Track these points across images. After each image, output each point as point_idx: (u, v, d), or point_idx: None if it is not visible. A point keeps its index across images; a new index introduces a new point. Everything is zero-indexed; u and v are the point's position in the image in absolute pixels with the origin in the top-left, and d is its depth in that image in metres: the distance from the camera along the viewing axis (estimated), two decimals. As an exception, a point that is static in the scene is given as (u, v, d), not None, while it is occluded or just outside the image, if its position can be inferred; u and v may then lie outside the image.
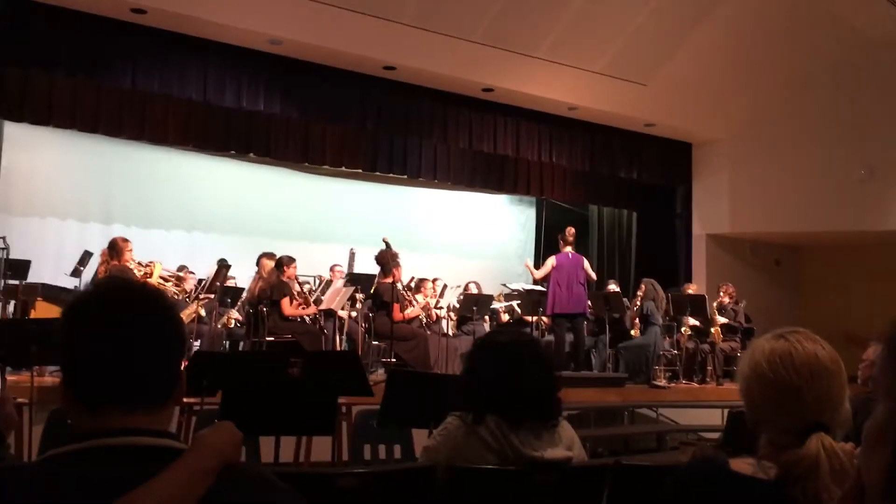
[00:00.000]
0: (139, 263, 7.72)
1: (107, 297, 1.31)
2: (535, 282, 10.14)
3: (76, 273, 8.90)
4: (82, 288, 8.15)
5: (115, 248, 7.52)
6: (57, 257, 9.91)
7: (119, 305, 1.29)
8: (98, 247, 8.26)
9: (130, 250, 7.60)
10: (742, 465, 1.63)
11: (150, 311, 1.30)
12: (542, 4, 9.58)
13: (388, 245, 9.02)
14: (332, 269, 10.40)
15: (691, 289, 11.17)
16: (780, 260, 14.00)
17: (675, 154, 13.08)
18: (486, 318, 10.68)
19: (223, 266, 8.94)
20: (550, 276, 9.57)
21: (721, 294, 10.72)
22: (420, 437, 4.46)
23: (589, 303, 9.83)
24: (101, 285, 1.45)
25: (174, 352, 1.32)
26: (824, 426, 1.60)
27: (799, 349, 1.66)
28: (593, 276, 9.93)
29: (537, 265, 10.54)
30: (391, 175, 11.71)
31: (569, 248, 9.67)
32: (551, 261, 9.65)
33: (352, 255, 10.74)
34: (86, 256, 8.93)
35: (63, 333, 1.28)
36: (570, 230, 9.84)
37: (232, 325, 9.81)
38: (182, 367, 1.37)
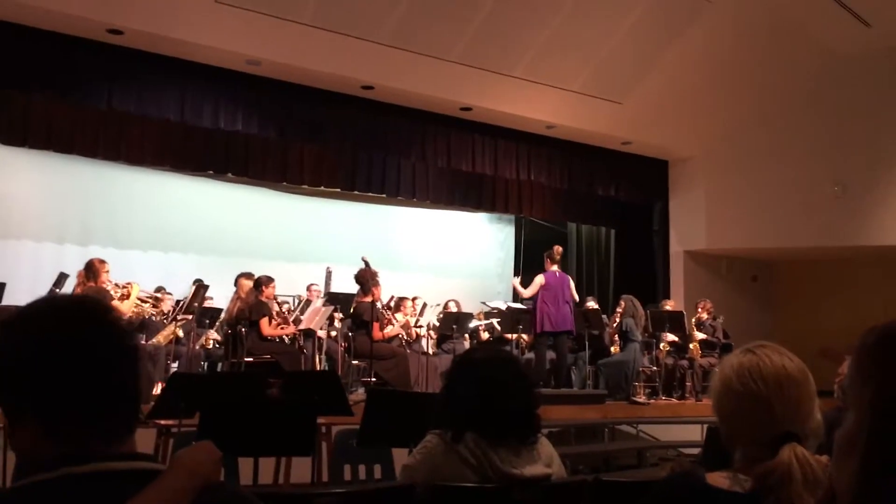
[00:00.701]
0: (116, 285, 7.67)
1: (74, 323, 1.24)
2: (521, 300, 10.10)
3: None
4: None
5: (92, 270, 7.46)
6: (33, 280, 9.76)
7: (87, 328, 1.23)
8: (74, 268, 8.16)
9: (107, 271, 7.54)
10: (719, 478, 1.65)
11: (113, 328, 1.26)
12: (519, 24, 9.65)
13: (367, 264, 9.01)
14: (308, 289, 10.36)
15: (669, 305, 11.23)
16: (757, 275, 14.11)
17: (652, 171, 13.17)
18: (466, 336, 10.67)
19: (201, 286, 8.89)
20: (538, 295, 9.56)
21: (699, 310, 10.78)
22: (400, 457, 4.44)
23: (569, 319, 9.84)
24: (59, 307, 1.29)
25: (137, 372, 1.29)
26: (795, 436, 1.64)
27: (766, 361, 1.71)
28: (575, 296, 9.94)
29: (522, 283, 10.52)
30: (370, 194, 11.72)
31: (555, 267, 9.67)
32: (539, 279, 9.62)
33: (328, 274, 10.72)
34: (62, 278, 8.82)
35: (29, 356, 1.19)
36: (558, 249, 9.84)
37: (210, 346, 9.74)
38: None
